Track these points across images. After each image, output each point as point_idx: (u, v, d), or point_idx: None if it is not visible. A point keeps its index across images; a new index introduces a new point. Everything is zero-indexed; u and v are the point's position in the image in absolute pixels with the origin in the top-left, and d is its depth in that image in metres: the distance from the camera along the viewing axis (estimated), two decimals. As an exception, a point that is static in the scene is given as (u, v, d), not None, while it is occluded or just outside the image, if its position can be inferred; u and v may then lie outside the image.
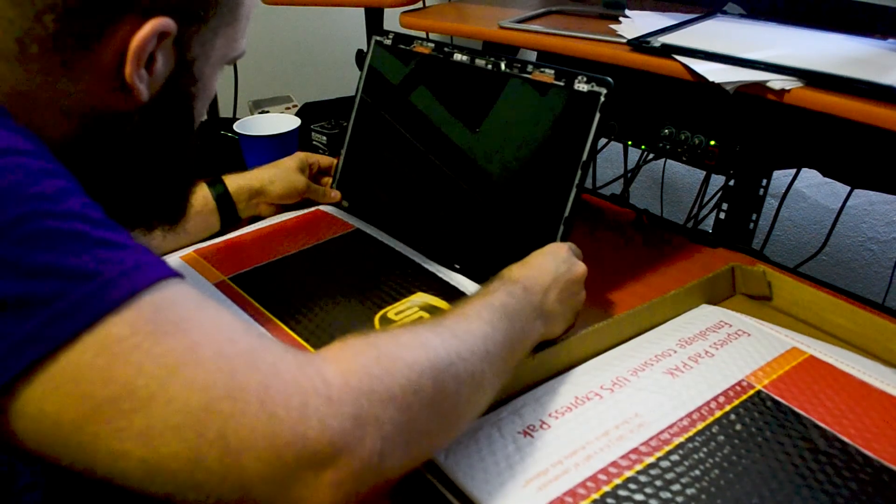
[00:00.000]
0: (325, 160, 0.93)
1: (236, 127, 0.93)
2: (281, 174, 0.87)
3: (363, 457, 0.38)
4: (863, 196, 1.15)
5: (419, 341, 0.45)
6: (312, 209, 0.90)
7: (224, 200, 0.83)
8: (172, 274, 0.39)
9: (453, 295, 0.71)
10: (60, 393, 0.35)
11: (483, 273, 0.72)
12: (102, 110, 0.46)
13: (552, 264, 0.62)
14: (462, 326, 0.49)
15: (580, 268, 0.64)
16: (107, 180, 0.48)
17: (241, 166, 0.94)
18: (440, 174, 0.79)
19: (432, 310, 0.68)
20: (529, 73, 0.72)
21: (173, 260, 0.77)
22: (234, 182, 0.85)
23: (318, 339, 0.64)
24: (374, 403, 0.39)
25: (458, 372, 0.45)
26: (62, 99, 0.44)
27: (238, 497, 0.36)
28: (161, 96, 0.48)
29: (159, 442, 0.35)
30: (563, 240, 0.67)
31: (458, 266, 0.75)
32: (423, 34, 1.00)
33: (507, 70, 0.74)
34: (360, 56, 1.14)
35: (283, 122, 0.96)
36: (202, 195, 0.82)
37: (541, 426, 0.53)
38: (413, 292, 0.71)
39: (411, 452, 0.42)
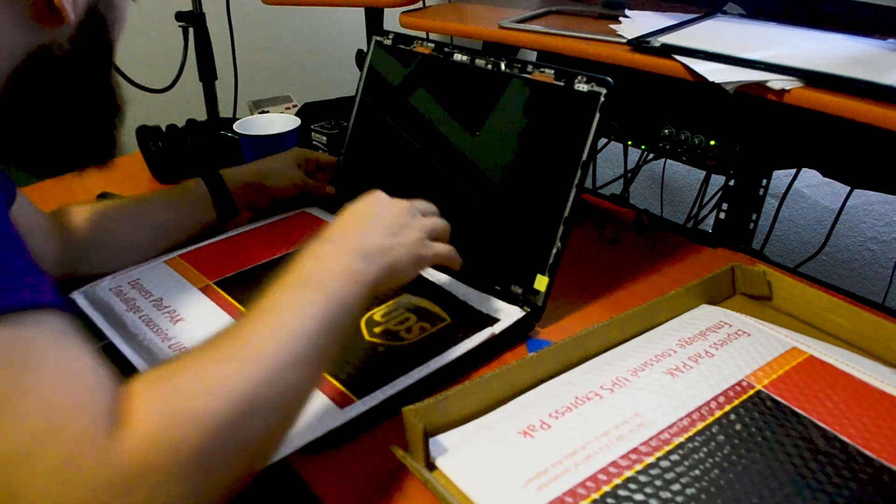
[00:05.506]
0: (323, 157, 0.93)
1: (236, 127, 0.93)
2: (278, 168, 0.87)
3: None
4: (863, 196, 1.15)
5: (218, 382, 0.40)
6: (298, 211, 0.90)
7: (220, 193, 0.83)
8: (50, 304, 0.38)
9: (440, 296, 0.71)
10: None
11: (482, 273, 0.72)
12: (33, 41, 0.49)
13: (363, 208, 0.58)
14: (267, 333, 0.44)
15: (400, 203, 0.59)
16: (37, 120, 0.52)
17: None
18: (439, 174, 0.79)
19: (419, 311, 0.68)
20: (529, 73, 0.72)
21: (157, 265, 0.77)
22: (231, 175, 0.85)
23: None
24: (171, 483, 0.37)
25: (264, 403, 0.41)
26: None
27: None
28: (84, 23, 0.51)
29: None
30: (563, 241, 0.67)
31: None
32: (423, 34, 1.00)
33: (507, 70, 0.74)
34: (360, 56, 1.14)
35: (283, 122, 0.96)
36: (199, 190, 0.83)
37: (541, 426, 0.53)
38: (399, 293, 0.71)
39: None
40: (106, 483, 0.35)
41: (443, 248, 0.62)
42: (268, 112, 1.14)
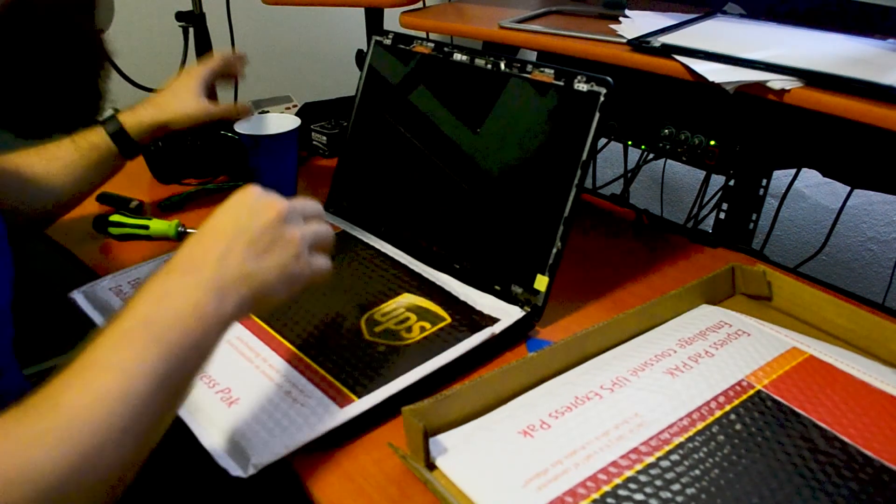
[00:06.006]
0: (217, 63, 0.87)
1: (236, 127, 0.93)
2: (178, 104, 0.83)
3: None
4: (863, 196, 1.15)
5: (24, 467, 0.35)
6: None
7: (120, 138, 0.80)
8: None
9: (440, 295, 0.71)
10: None
11: (482, 273, 0.72)
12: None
13: (226, 220, 0.49)
14: (86, 401, 0.38)
15: (273, 207, 0.50)
16: (21, 74, 0.50)
17: (242, 166, 0.94)
18: (439, 174, 0.79)
19: (419, 310, 0.68)
20: (529, 72, 0.72)
21: (157, 265, 0.76)
22: (132, 125, 0.81)
23: (305, 341, 0.64)
24: None
25: (82, 486, 0.36)
26: None
27: None
28: None
29: None
30: (563, 241, 0.67)
31: (458, 266, 0.75)
32: (423, 34, 1.00)
33: (507, 70, 0.74)
34: (360, 56, 1.14)
35: (283, 122, 0.96)
36: (99, 138, 0.80)
37: (541, 426, 0.53)
38: (399, 293, 0.71)
39: None
40: None
41: (324, 263, 0.53)
42: (268, 112, 1.14)
